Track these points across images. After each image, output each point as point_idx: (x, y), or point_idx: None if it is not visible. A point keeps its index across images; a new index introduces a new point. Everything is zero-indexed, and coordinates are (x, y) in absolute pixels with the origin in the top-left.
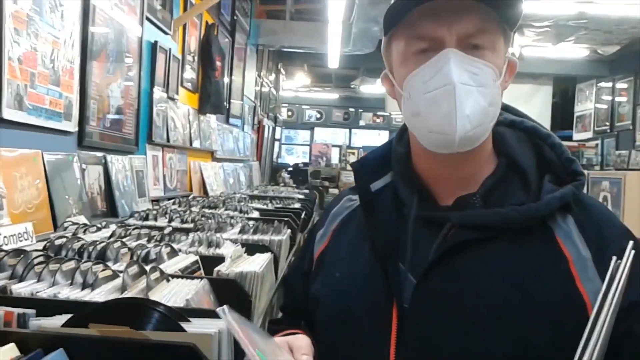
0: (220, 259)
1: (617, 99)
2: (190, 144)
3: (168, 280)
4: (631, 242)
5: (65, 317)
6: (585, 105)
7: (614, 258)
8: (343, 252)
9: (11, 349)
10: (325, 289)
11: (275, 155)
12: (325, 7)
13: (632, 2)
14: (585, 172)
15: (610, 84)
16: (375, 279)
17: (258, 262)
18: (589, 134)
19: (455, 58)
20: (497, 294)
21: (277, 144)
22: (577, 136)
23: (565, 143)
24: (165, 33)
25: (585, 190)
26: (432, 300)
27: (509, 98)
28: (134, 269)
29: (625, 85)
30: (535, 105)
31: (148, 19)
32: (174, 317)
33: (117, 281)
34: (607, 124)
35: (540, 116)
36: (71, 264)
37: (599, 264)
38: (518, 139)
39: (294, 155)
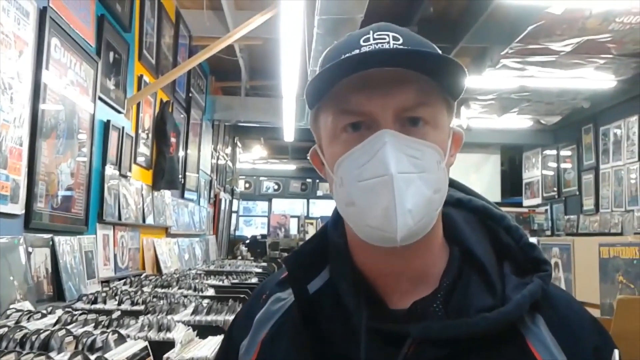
0: (170, 344)
1: (563, 165)
2: (144, 221)
3: None
4: (616, 351)
5: None
6: (533, 172)
7: None
8: None
9: None
10: None
11: (232, 228)
12: (279, 84)
13: (569, 76)
14: (536, 238)
15: (554, 152)
16: None
17: (210, 346)
18: (538, 200)
19: (392, 141)
20: None
21: (234, 216)
22: (526, 202)
23: (516, 209)
24: (119, 112)
25: None
26: None
27: (460, 168)
28: (78, 359)
29: (569, 153)
30: (485, 173)
31: (101, 99)
32: None
33: None
34: (555, 189)
35: (490, 184)
36: (11, 357)
37: None
38: (468, 222)
39: (253, 227)
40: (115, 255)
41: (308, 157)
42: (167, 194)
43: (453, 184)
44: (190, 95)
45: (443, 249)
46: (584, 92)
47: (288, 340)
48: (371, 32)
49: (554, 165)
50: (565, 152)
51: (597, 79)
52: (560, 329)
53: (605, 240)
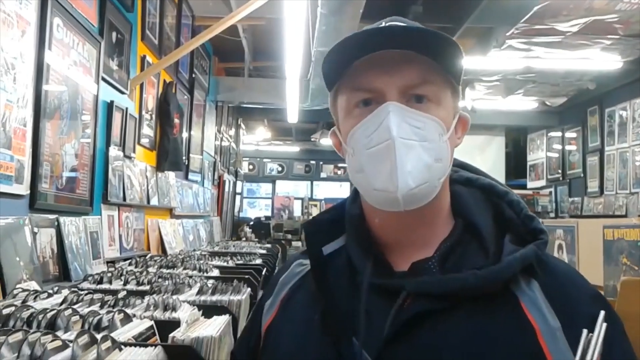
0: (176, 324)
1: (567, 147)
2: (148, 202)
3: (120, 349)
4: (602, 313)
5: None
6: (537, 154)
7: (585, 331)
8: (292, 325)
9: None
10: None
11: (237, 210)
12: (283, 65)
13: (575, 57)
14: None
15: (560, 134)
16: (327, 355)
17: (215, 326)
18: (542, 182)
19: (396, 111)
20: None
21: (238, 198)
22: (531, 184)
23: (520, 191)
24: (122, 92)
25: None
26: None
27: (464, 149)
28: (85, 338)
29: (574, 135)
30: (489, 155)
31: (104, 79)
32: None
33: (67, 352)
34: (559, 172)
35: (494, 166)
36: (18, 336)
37: (569, 334)
38: (474, 198)
39: (257, 209)
40: (120, 236)
41: (329, 138)
42: (171, 175)
43: (464, 166)
44: (193, 76)
45: (448, 221)
46: (590, 74)
47: (302, 299)
48: (383, 22)
49: (559, 147)
50: (570, 134)
51: (603, 60)
52: (556, 295)
53: (610, 222)
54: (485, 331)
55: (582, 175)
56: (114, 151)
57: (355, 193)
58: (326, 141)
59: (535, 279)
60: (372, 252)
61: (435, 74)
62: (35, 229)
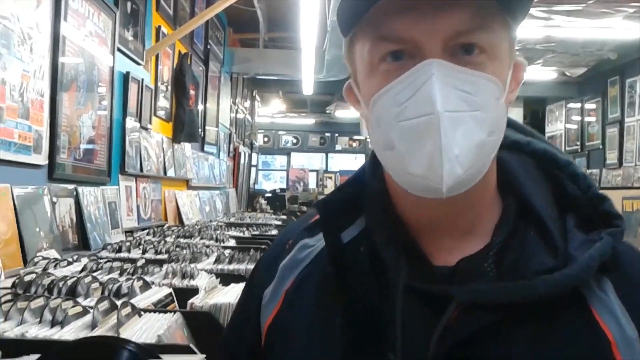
0: (194, 291)
1: (587, 119)
2: (165, 173)
3: (140, 315)
4: None
5: (32, 358)
6: (556, 125)
7: None
8: (304, 327)
9: None
10: None
11: (252, 182)
12: (298, 35)
13: (596, 26)
14: None
15: (579, 105)
16: None
17: (233, 293)
18: None
19: (440, 73)
20: None
21: (253, 170)
22: None
23: None
24: (138, 63)
25: None
26: None
27: None
28: (105, 304)
29: (593, 106)
30: None
31: (120, 50)
32: (145, 355)
33: (88, 318)
34: (578, 143)
35: None
36: (40, 301)
37: None
38: (525, 168)
39: (272, 181)
40: (137, 207)
41: (343, 94)
42: (187, 146)
43: (509, 123)
44: (208, 47)
45: (496, 199)
46: (611, 43)
47: (315, 290)
48: None
49: (578, 118)
50: (589, 105)
51: (625, 29)
52: (631, 296)
53: (629, 193)
54: (554, 347)
55: (601, 146)
56: (130, 122)
57: (374, 161)
58: (341, 113)
59: (607, 277)
60: (402, 239)
61: (491, 16)
62: (54, 199)
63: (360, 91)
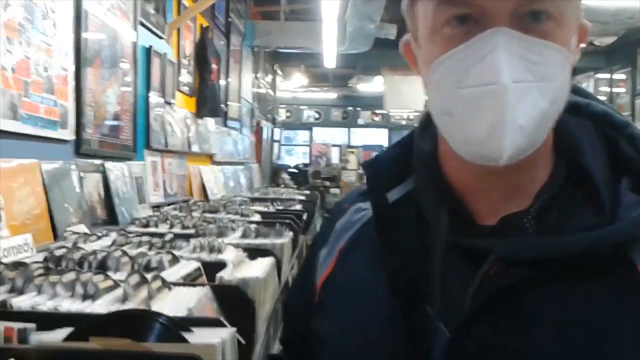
0: (222, 265)
1: (615, 90)
2: (189, 148)
3: (170, 289)
4: None
5: (66, 331)
6: None
7: None
8: (353, 283)
9: None
10: (332, 329)
11: (274, 157)
12: (319, 7)
13: None
14: None
15: (607, 75)
16: (396, 325)
17: (260, 267)
18: None
19: (507, 43)
20: (559, 354)
21: (276, 145)
22: None
23: None
24: (160, 37)
25: None
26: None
27: None
28: (135, 278)
29: (623, 76)
30: None
31: (142, 24)
32: (176, 327)
33: (118, 291)
34: None
35: None
36: (71, 275)
37: None
38: (582, 131)
39: (294, 156)
40: (164, 182)
41: (400, 51)
42: (210, 122)
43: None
44: (229, 20)
45: (549, 162)
46: None
47: (364, 252)
48: None
49: (607, 89)
50: (618, 76)
51: None
52: None
53: None
54: (593, 307)
55: (630, 117)
56: (154, 97)
57: (426, 122)
58: (363, 87)
59: None
60: (448, 199)
61: None
62: (82, 174)
63: (420, 52)
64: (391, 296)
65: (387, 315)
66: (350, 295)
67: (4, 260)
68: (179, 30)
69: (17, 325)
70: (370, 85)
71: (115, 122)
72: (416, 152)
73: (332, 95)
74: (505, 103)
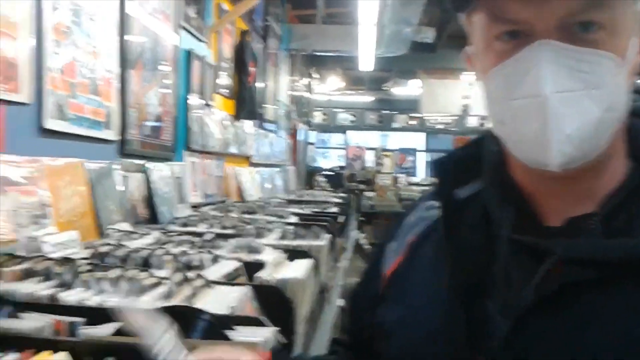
0: (260, 265)
1: None
2: (227, 150)
3: (211, 287)
4: None
5: (113, 326)
6: None
7: None
8: (420, 276)
9: (64, 358)
10: (396, 319)
11: (309, 159)
12: (356, 10)
13: None
14: None
15: None
16: (456, 319)
17: (299, 268)
18: None
19: (550, 55)
20: (611, 355)
21: (310, 147)
22: None
23: None
24: (200, 40)
25: None
26: (526, 357)
27: None
28: (178, 276)
29: None
30: None
31: (183, 27)
32: (220, 325)
33: (162, 288)
34: None
35: None
36: (117, 272)
37: None
38: None
39: (328, 159)
40: (202, 182)
41: (464, 58)
42: (247, 123)
43: (637, 89)
44: (267, 24)
45: (620, 166)
46: None
47: (432, 246)
48: None
49: None
50: None
51: None
52: None
53: None
54: None
55: None
56: (194, 99)
57: None
58: (399, 90)
59: None
60: (514, 199)
61: None
62: (125, 174)
63: (478, 62)
64: (453, 290)
65: (448, 309)
66: (415, 288)
67: (52, 255)
68: (218, 33)
69: (66, 319)
70: (406, 89)
71: (156, 123)
72: (486, 153)
73: (367, 98)
74: (547, 114)
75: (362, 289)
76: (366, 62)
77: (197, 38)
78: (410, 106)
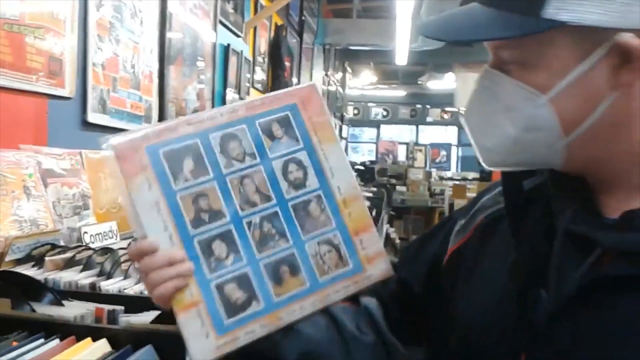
0: None
1: None
2: None
3: None
4: None
5: (152, 314)
6: None
7: None
8: (487, 259)
9: (104, 345)
10: (461, 297)
11: None
12: (393, 4)
13: None
14: None
15: None
16: (511, 304)
17: None
18: None
19: (482, 78)
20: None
21: (343, 142)
22: None
23: None
24: (237, 36)
25: None
26: (561, 347)
27: None
28: None
29: None
30: None
31: (221, 23)
32: None
33: None
34: None
35: None
36: None
37: None
38: None
39: (359, 153)
40: None
41: None
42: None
43: None
44: (303, 18)
45: None
46: None
47: (501, 233)
48: None
49: None
50: None
51: None
52: None
53: None
54: None
55: None
56: (230, 94)
57: None
58: (434, 84)
59: None
60: (576, 191)
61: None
62: None
63: None
64: (512, 279)
65: (506, 293)
66: (479, 270)
67: (91, 245)
68: (255, 28)
69: (107, 307)
70: (441, 83)
71: None
72: None
73: (400, 92)
74: (468, 129)
75: (427, 242)
76: (401, 56)
77: (235, 33)
78: (444, 100)
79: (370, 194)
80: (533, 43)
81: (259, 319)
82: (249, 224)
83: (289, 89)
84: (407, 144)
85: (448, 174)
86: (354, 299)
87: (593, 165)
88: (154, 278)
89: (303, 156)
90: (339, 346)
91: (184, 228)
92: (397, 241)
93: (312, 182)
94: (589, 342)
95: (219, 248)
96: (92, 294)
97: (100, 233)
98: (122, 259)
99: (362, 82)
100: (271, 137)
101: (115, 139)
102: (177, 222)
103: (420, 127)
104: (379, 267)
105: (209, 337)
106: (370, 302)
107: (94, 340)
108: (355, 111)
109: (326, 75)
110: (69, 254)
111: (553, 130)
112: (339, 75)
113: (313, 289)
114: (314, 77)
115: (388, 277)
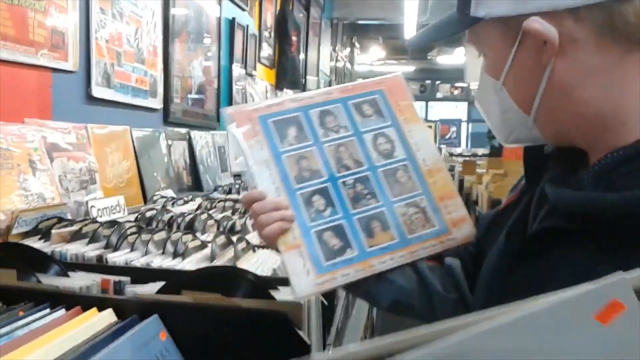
0: None
1: None
2: None
3: (254, 251)
4: None
5: (158, 285)
6: None
7: None
8: (509, 216)
9: (109, 314)
10: (484, 246)
11: None
12: None
13: None
14: None
15: None
16: (504, 249)
17: None
18: None
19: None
20: None
21: None
22: None
23: None
24: (243, 9)
25: None
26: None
27: None
28: (222, 239)
29: None
30: None
31: None
32: (264, 285)
33: (206, 251)
34: None
35: None
36: (162, 235)
37: None
38: None
39: None
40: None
41: None
42: (289, 94)
43: None
44: None
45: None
46: None
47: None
48: None
49: None
50: None
51: None
52: None
53: None
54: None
55: None
56: (236, 69)
57: None
58: (444, 59)
59: None
60: (572, 155)
61: (482, 30)
62: (170, 142)
63: None
64: (509, 233)
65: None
66: (503, 225)
67: (99, 219)
68: (260, 1)
69: (113, 278)
70: (451, 57)
71: (200, 92)
72: None
73: (409, 68)
74: (481, 111)
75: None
76: (410, 30)
77: (240, 7)
78: (454, 75)
79: None
80: (480, 38)
81: (354, 264)
82: (344, 183)
83: (377, 78)
84: None
85: (458, 150)
86: (439, 258)
87: (566, 135)
88: (262, 219)
89: (390, 132)
90: (425, 300)
91: (288, 182)
92: None
93: (399, 153)
94: (517, 291)
95: (318, 201)
96: (98, 266)
97: (108, 207)
98: (129, 232)
99: (371, 57)
100: (362, 115)
101: (232, 109)
102: (282, 177)
103: (429, 103)
104: (463, 231)
105: (310, 275)
106: (453, 262)
107: (100, 310)
108: None
109: (334, 50)
110: (75, 227)
111: (516, 110)
112: (347, 51)
113: (402, 244)
114: (322, 52)
115: (470, 241)
